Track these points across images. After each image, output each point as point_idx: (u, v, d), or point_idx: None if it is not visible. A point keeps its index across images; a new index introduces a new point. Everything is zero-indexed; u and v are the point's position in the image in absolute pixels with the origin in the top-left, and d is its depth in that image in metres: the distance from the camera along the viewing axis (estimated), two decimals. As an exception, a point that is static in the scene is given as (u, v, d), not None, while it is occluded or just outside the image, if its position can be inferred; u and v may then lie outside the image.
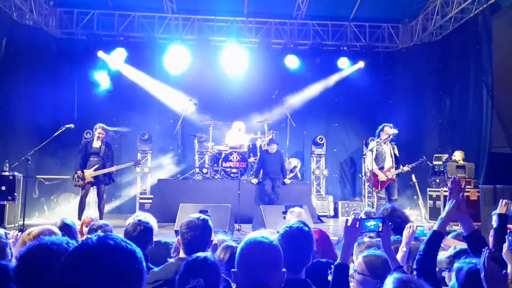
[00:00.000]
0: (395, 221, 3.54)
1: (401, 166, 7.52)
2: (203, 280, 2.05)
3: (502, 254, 2.74)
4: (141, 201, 9.79)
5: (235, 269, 1.82)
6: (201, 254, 2.28)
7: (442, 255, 2.82)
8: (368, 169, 7.92)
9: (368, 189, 9.96)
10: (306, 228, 2.37)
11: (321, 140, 10.91)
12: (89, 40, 10.59)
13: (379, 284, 2.09)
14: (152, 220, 3.78)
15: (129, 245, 1.17)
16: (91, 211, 10.12)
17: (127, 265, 1.12)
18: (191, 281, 2.03)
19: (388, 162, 7.57)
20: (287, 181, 9.12)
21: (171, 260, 3.05)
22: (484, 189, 7.23)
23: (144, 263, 1.18)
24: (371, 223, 2.50)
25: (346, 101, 11.26)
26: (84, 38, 10.73)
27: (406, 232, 2.94)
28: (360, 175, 10.81)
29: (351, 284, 2.64)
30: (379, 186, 7.49)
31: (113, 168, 7.37)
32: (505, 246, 2.67)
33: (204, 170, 9.59)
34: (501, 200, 3.45)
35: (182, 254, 2.82)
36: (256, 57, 10.92)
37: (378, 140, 7.62)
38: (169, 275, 2.62)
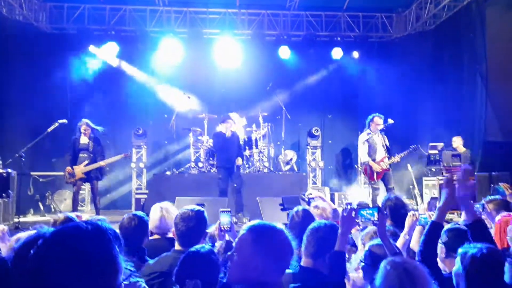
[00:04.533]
0: (399, 212, 3.54)
1: (392, 157, 7.57)
2: (200, 279, 2.03)
3: (508, 238, 2.76)
4: (137, 196, 9.76)
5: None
6: (200, 248, 2.26)
7: None
8: (362, 161, 7.95)
9: (364, 179, 9.99)
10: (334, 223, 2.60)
11: (317, 132, 10.90)
12: (80, 34, 10.45)
13: None
14: (172, 209, 3.68)
15: (100, 225, 1.15)
16: (87, 207, 10.14)
17: (94, 243, 1.11)
18: (187, 282, 2.01)
19: (380, 153, 7.60)
20: (239, 160, 7.68)
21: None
22: (480, 177, 7.28)
23: (115, 243, 1.15)
24: (366, 212, 2.53)
25: (340, 92, 11.24)
26: (75, 32, 10.60)
27: (409, 220, 3.00)
28: (356, 166, 10.82)
29: (358, 272, 2.69)
30: (376, 177, 7.53)
31: (102, 163, 7.37)
32: (510, 231, 2.68)
33: (200, 164, 9.54)
34: None
35: (177, 246, 2.82)
36: (249, 49, 10.85)
37: (369, 131, 7.64)
38: (165, 267, 2.62)
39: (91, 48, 10.33)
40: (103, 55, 10.46)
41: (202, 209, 2.90)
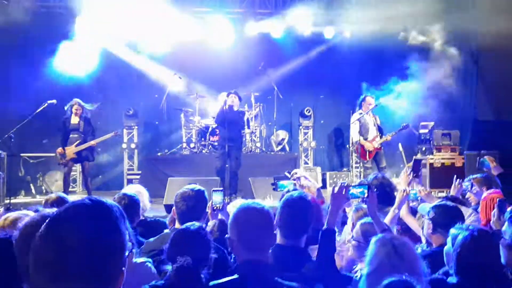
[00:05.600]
0: (384, 190, 3.62)
1: (384, 136, 7.64)
2: (191, 255, 2.05)
3: (491, 223, 2.83)
4: (129, 177, 9.76)
5: (229, 235, 1.89)
6: (190, 225, 2.28)
7: (427, 206, 2.95)
8: (353, 141, 8.00)
9: (355, 159, 10.06)
10: (309, 197, 2.52)
11: (309, 112, 10.89)
12: (67, 13, 10.22)
13: None
14: (143, 193, 3.71)
15: (105, 202, 1.14)
16: (79, 188, 10.12)
17: (103, 221, 1.10)
18: (178, 259, 2.03)
19: (372, 132, 7.67)
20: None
21: (167, 230, 3.08)
22: (468, 155, 7.37)
23: (121, 219, 1.15)
24: (357, 190, 2.56)
25: (333, 71, 11.17)
26: (61, 11, 10.36)
27: (399, 195, 3.07)
28: (347, 145, 10.87)
29: (347, 247, 2.75)
30: (367, 156, 7.60)
31: (93, 142, 7.31)
32: (495, 214, 2.74)
33: (192, 145, 9.54)
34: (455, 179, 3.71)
35: (177, 225, 2.87)
36: (240, 27, 10.71)
37: (361, 111, 7.68)
38: (164, 245, 2.65)
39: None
40: (92, 33, 10.25)
41: (202, 188, 2.92)
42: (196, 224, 2.37)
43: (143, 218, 3.66)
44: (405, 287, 1.64)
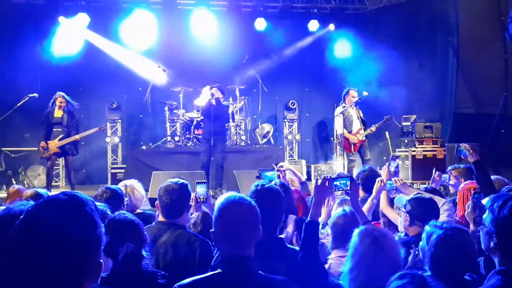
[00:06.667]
0: (372, 182, 3.68)
1: (368, 128, 7.73)
2: (130, 242, 2.05)
3: (465, 214, 2.91)
4: (113, 171, 9.66)
5: (213, 229, 1.85)
6: (116, 215, 2.29)
7: (403, 198, 3.01)
8: (338, 133, 8.08)
9: (340, 152, 10.15)
10: (276, 187, 2.44)
11: (293, 105, 10.93)
12: (49, 5, 10.02)
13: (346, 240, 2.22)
14: (135, 186, 3.67)
15: (80, 196, 1.15)
16: (62, 183, 10.01)
17: (77, 215, 1.10)
18: (120, 250, 2.02)
19: (356, 125, 7.75)
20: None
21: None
22: (449, 147, 7.52)
23: (97, 212, 1.15)
24: (340, 182, 2.61)
25: (317, 64, 11.22)
26: (43, 3, 10.15)
27: (376, 186, 3.14)
28: (332, 138, 10.96)
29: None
30: (352, 149, 7.67)
31: (77, 136, 7.20)
32: (469, 206, 2.81)
33: (176, 138, 9.49)
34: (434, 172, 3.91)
35: (161, 218, 2.86)
36: (225, 21, 10.65)
37: (344, 104, 7.75)
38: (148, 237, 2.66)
39: (61, 19, 9.93)
40: (74, 27, 10.08)
41: (186, 182, 2.92)
42: (123, 212, 2.38)
43: (141, 211, 3.65)
44: (417, 282, 1.64)
